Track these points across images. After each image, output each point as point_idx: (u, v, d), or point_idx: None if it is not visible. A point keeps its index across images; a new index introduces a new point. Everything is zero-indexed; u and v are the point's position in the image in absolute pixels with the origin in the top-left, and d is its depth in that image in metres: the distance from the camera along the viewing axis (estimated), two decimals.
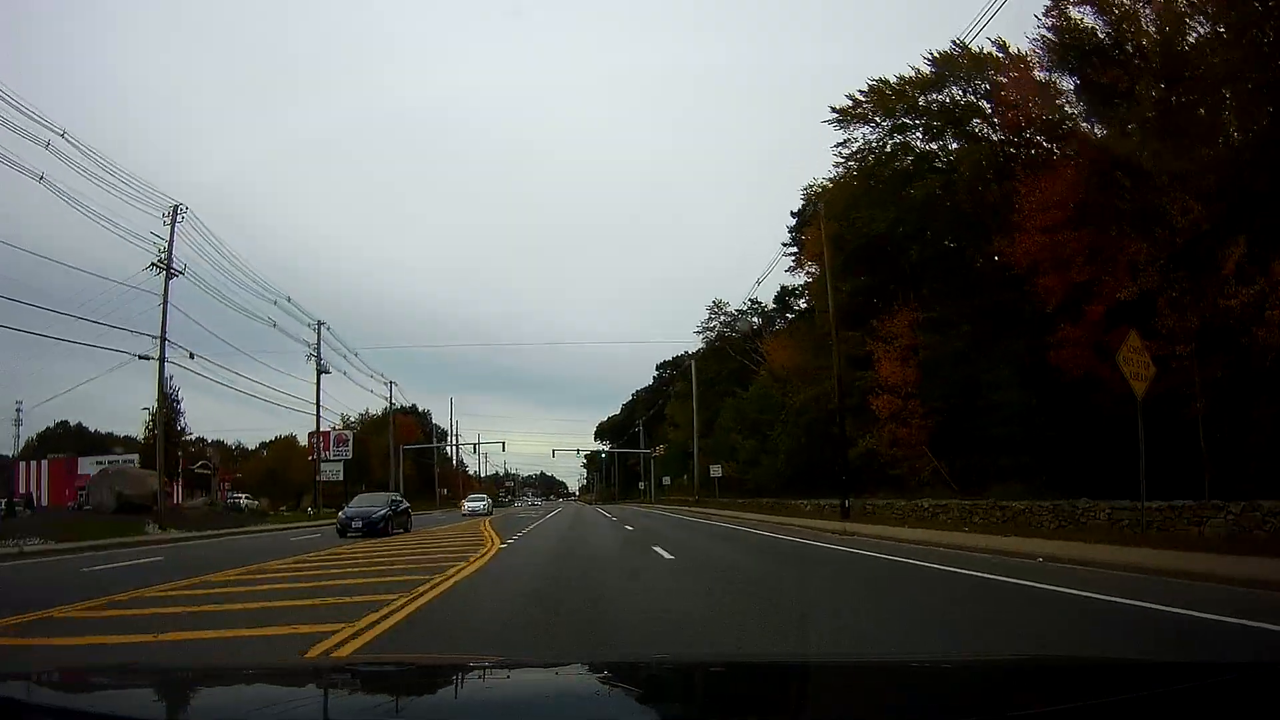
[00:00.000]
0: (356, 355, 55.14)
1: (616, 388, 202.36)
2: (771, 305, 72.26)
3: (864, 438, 35.58)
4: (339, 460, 55.80)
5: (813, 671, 2.75)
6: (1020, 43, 29.94)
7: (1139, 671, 2.61)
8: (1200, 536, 15.39)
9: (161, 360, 31.62)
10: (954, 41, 32.31)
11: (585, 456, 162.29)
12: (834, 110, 37.23)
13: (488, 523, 32.10)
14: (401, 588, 10.71)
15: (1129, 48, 26.31)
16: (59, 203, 37.98)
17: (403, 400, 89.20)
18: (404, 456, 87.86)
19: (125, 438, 59.39)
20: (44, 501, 56.21)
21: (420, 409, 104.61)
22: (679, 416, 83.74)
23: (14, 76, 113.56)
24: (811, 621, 7.93)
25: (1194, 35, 24.39)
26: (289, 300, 44.12)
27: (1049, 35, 28.03)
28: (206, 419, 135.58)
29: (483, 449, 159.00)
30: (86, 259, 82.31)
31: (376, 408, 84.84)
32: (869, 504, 27.81)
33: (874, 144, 36.64)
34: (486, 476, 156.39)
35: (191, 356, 33.18)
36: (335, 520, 28.51)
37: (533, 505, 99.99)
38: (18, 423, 62.42)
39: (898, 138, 37.14)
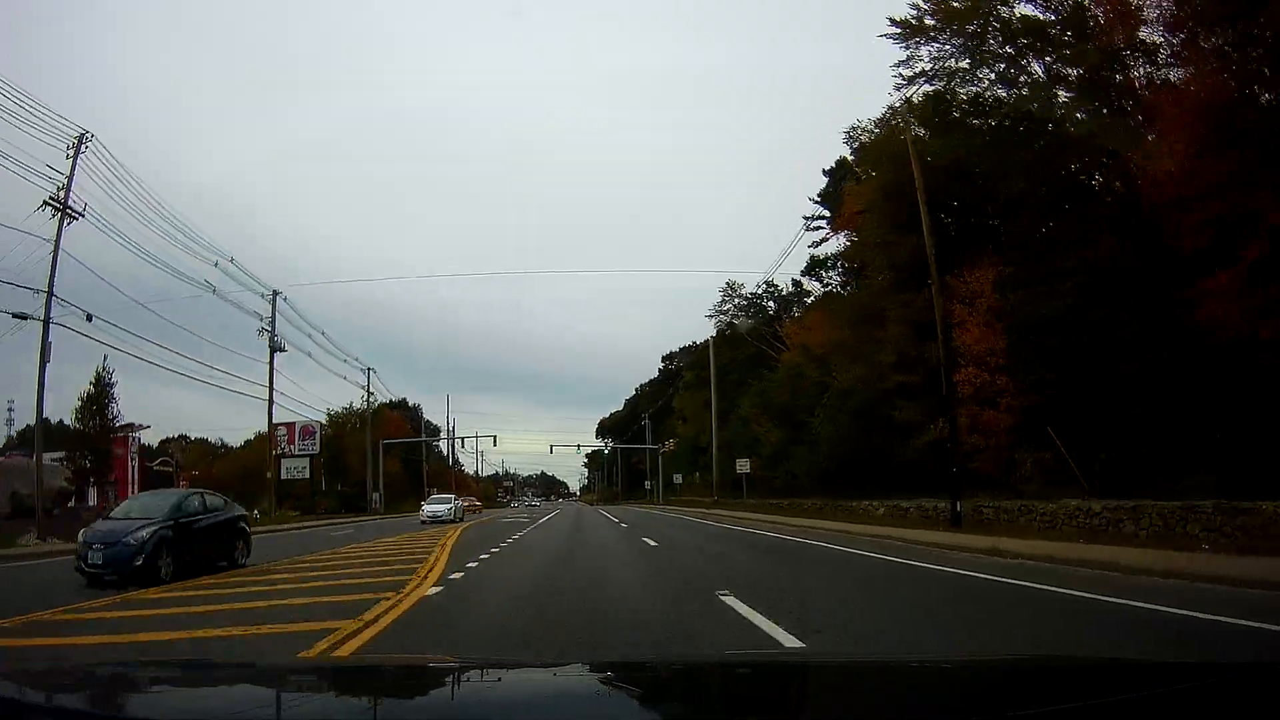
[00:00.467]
0: (324, 334, 48.12)
1: (617, 387, 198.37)
2: (789, 288, 66.22)
3: (931, 425, 28.64)
4: (305, 456, 48.73)
5: (813, 671, 2.78)
6: None
7: (1139, 671, 2.58)
8: None
9: (46, 323, 24.60)
10: None
11: (586, 456, 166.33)
12: (893, 23, 30.22)
13: (455, 535, 22.52)
14: None
15: None
16: None
17: (385, 392, 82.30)
18: (391, 454, 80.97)
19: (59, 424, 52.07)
20: None
21: (411, 403, 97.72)
22: (688, 409, 76.60)
23: (14, 75, 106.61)
24: None
25: None
26: (232, 262, 37.01)
27: None
28: (184, 413, 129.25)
29: (480, 447, 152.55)
30: None
31: (361, 402, 78.29)
32: (979, 507, 20.69)
33: (947, 60, 29.55)
34: (485, 477, 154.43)
35: (89, 319, 26.17)
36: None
37: (530, 506, 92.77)
38: None
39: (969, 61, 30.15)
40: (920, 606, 9.29)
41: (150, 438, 67.13)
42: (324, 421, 59.05)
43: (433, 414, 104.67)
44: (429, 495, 47.31)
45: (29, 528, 25.88)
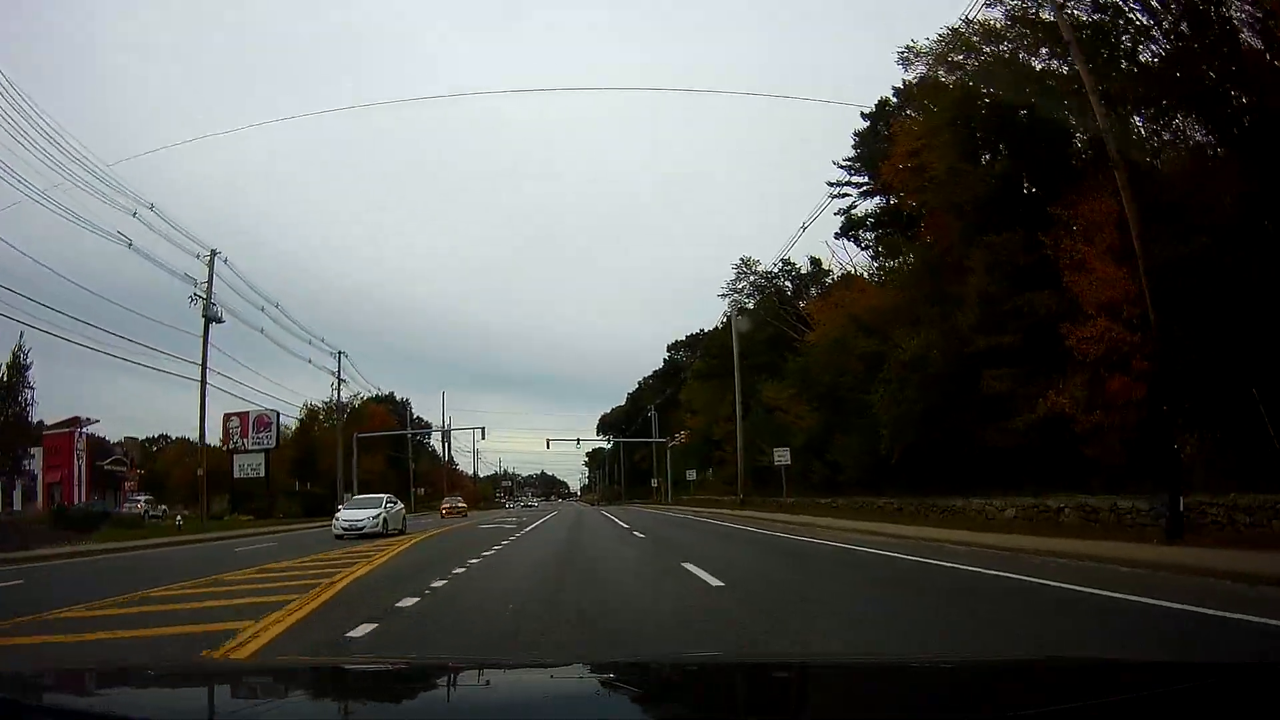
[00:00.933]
0: (278, 307, 41.39)
1: (618, 387, 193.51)
2: (807, 267, 59.78)
3: (1040, 397, 22.24)
4: (259, 450, 41.96)
5: (812, 671, 2.75)
6: None
7: (1140, 671, 2.58)
8: None
9: None
10: None
11: (587, 455, 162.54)
12: None
13: (380, 560, 15.10)
14: None
15: None
16: None
17: (361, 381, 75.55)
18: (375, 451, 74.41)
19: None
20: None
21: (399, 397, 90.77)
22: (698, 400, 69.90)
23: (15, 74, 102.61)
24: None
25: None
26: (152, 209, 30.41)
27: None
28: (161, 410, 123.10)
29: (477, 446, 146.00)
30: None
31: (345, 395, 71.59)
32: (1200, 505, 13.94)
33: None
34: (484, 477, 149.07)
35: None
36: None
37: (526, 507, 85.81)
38: None
39: None
40: None
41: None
42: (298, 415, 52.38)
43: (429, 413, 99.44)
44: (345, 499, 36.24)
45: None
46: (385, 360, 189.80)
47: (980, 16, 24.53)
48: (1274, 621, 6.82)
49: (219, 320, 35.25)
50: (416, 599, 9.33)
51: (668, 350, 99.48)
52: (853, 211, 44.24)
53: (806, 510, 29.44)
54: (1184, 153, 22.81)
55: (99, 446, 61.35)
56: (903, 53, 31.74)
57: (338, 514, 26.81)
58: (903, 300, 30.25)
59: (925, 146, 29.62)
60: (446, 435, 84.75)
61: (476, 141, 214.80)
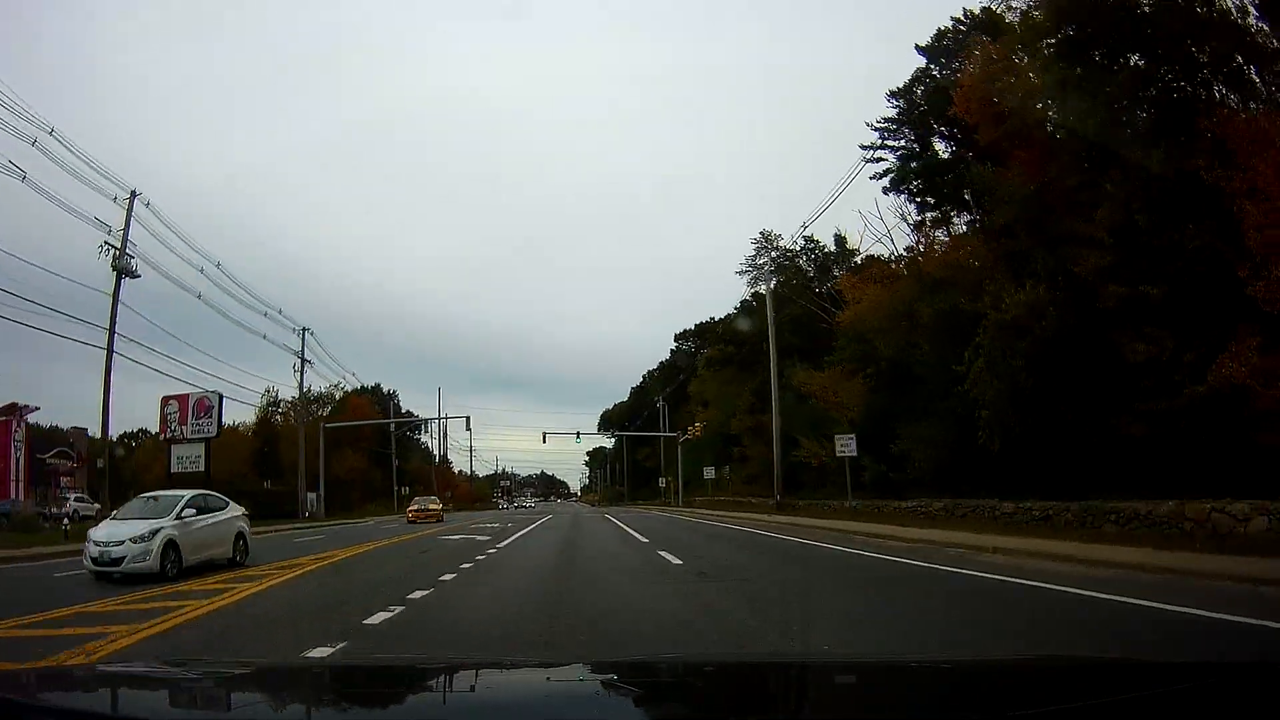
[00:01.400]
0: (219, 266, 35.07)
1: (619, 387, 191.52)
2: (830, 246, 53.65)
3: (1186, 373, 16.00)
4: (198, 439, 35.65)
5: (812, 671, 2.75)
6: None
7: (1139, 671, 2.52)
8: None
9: None
10: None
11: (587, 454, 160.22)
12: None
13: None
14: None
15: None
16: None
17: (330, 367, 69.23)
18: (356, 447, 68.19)
19: None
20: None
21: (386, 390, 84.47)
22: (710, 392, 63.52)
23: (16, 74, 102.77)
24: None
25: None
26: (52, 134, 24.28)
27: None
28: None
29: (474, 443, 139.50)
30: None
31: (329, 386, 65.16)
32: None
33: None
34: (483, 477, 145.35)
35: None
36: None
37: (521, 508, 79.04)
38: None
39: None
40: None
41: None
42: (263, 403, 45.99)
43: (427, 412, 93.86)
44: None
45: None
46: (385, 360, 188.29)
47: None
48: None
49: (133, 274, 28.91)
50: None
51: (675, 340, 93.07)
52: (883, 183, 38.08)
53: (882, 518, 22.61)
54: None
55: (49, 438, 55.02)
56: None
57: (91, 534, 14.05)
58: (989, 252, 23.95)
59: (1007, 70, 23.36)
60: (426, 425, 78.01)
61: (477, 142, 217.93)
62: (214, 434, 35.50)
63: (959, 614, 7.96)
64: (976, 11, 30.33)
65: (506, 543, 18.48)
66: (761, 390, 47.81)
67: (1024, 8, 24.34)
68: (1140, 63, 20.22)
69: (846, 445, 25.38)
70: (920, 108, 39.48)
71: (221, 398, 35.94)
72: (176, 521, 13.67)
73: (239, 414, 70.37)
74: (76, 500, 39.91)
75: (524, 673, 2.73)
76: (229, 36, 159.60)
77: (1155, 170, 17.99)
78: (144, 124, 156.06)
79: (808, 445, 33.71)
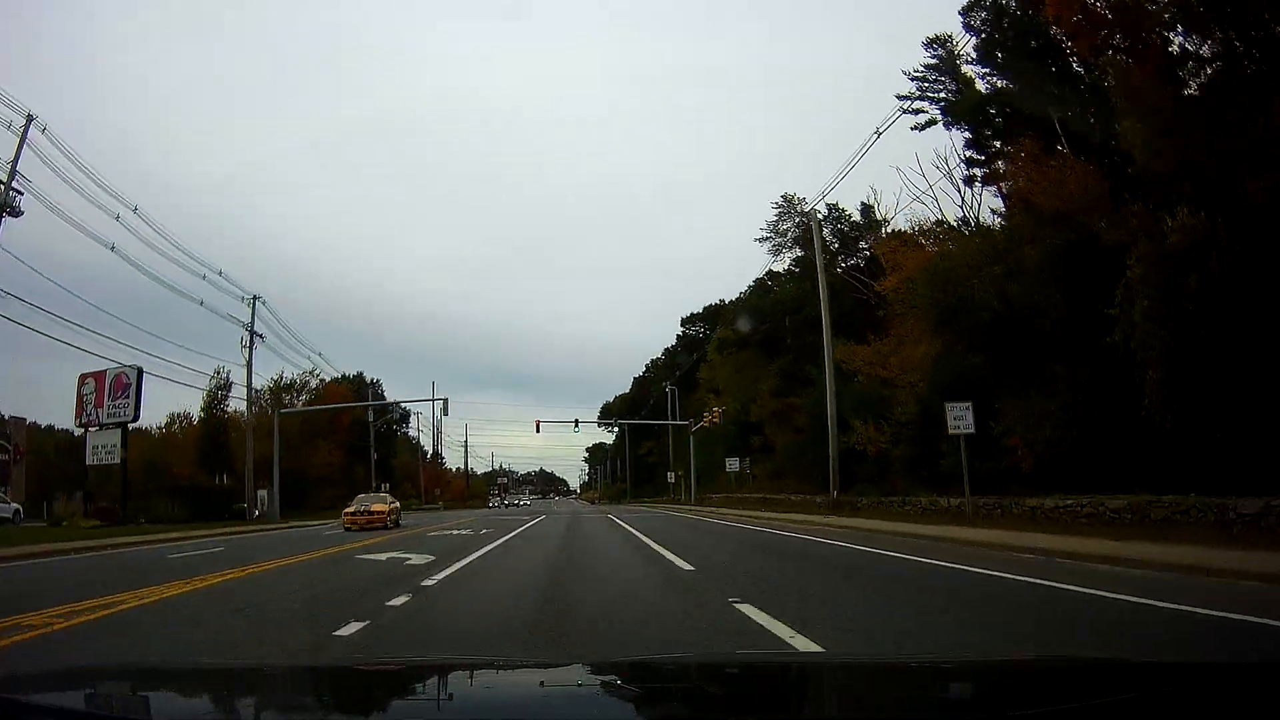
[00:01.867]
0: (136, 211, 28.70)
1: (619, 386, 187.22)
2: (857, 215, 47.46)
3: None
4: (115, 424, 29.16)
5: (813, 671, 2.76)
6: None
7: (1139, 671, 2.48)
8: None
9: None
10: None
11: (587, 450, 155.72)
12: None
13: None
14: None
15: None
16: None
17: (285, 342, 62.68)
18: (330, 439, 61.80)
19: None
20: None
21: (370, 378, 77.83)
22: (722, 378, 57.16)
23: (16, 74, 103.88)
24: None
25: None
26: None
27: None
28: None
29: (474, 441, 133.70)
30: None
31: (304, 374, 58.69)
32: None
33: None
34: (480, 475, 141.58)
35: None
36: None
37: (511, 506, 72.06)
38: None
39: None
40: None
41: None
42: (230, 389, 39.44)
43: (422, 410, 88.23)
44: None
45: None
46: (384, 360, 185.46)
47: None
48: None
49: (15, 212, 22.56)
50: None
51: (681, 325, 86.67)
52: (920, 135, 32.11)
53: (1026, 524, 15.79)
54: None
55: None
56: None
57: None
58: (1113, 179, 17.57)
59: None
60: (406, 415, 71.62)
61: (477, 142, 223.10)
62: (131, 417, 29.04)
63: None
64: None
65: (456, 568, 11.77)
66: (790, 370, 41.44)
67: None
68: None
69: (961, 418, 18.02)
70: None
71: (141, 372, 29.44)
72: None
73: (191, 400, 64.11)
74: None
75: (524, 673, 2.74)
76: (229, 36, 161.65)
77: None
78: (144, 124, 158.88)
79: (861, 430, 27.33)
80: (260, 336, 36.82)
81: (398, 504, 30.59)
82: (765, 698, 2.23)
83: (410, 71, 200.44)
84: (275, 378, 49.94)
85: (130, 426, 30.76)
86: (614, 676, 2.50)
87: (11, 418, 47.40)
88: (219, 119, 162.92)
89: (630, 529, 21.30)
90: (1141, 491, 15.05)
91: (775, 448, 40.54)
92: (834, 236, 50.32)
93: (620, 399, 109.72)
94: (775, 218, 49.45)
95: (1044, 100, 26.00)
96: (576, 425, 57.29)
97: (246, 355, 36.35)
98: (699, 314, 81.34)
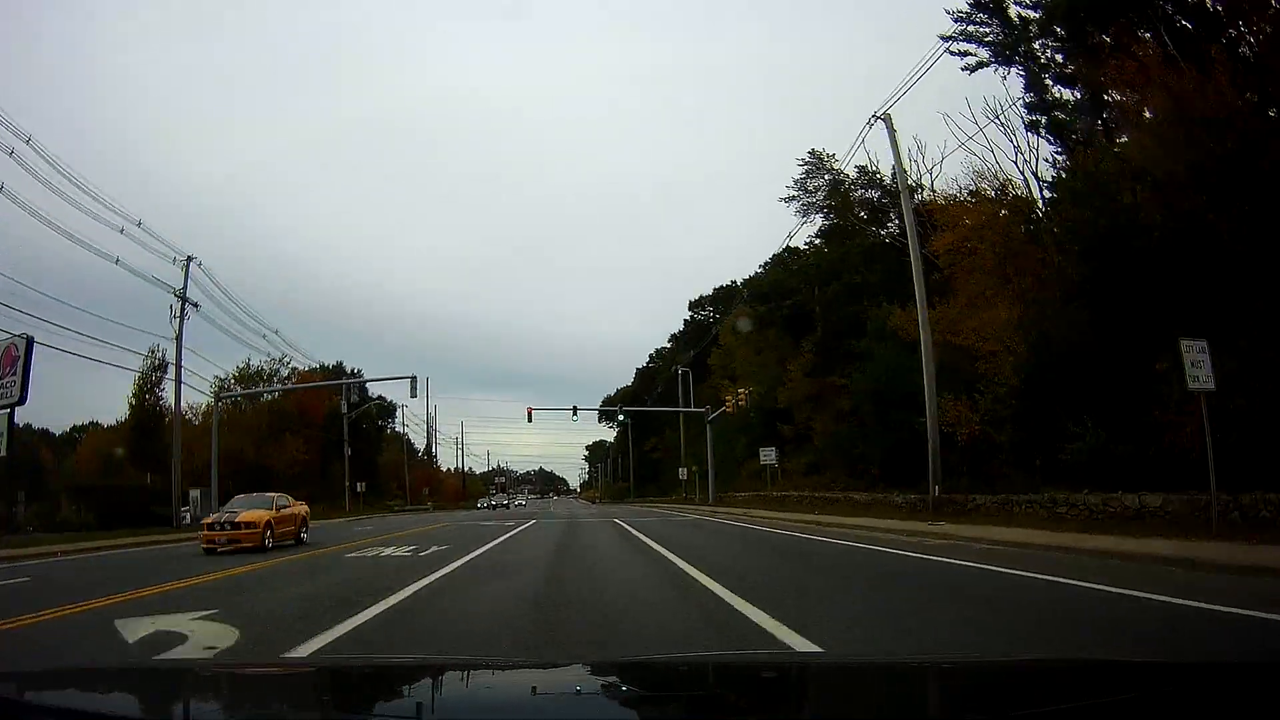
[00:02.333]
0: (30, 143, 22.43)
1: (619, 384, 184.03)
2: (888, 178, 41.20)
3: None
4: (3, 406, 22.74)
5: (813, 672, 2.72)
6: None
7: (1139, 671, 2.44)
8: None
9: None
10: None
11: (587, 448, 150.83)
12: None
13: None
14: None
15: None
16: None
17: (233, 315, 56.18)
18: (299, 431, 55.56)
19: None
20: None
21: (350, 369, 71.26)
22: (740, 362, 50.68)
23: (19, 75, 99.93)
24: None
25: None
26: None
27: None
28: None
29: (472, 441, 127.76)
30: None
31: (273, 362, 52.33)
32: None
33: None
34: (478, 474, 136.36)
35: None
36: None
37: (496, 508, 64.71)
38: None
39: None
40: None
41: None
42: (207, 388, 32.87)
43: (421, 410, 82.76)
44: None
45: None
46: (383, 359, 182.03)
47: None
48: None
49: None
50: None
51: (690, 309, 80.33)
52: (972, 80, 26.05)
53: None
54: None
55: None
56: None
57: None
58: None
59: None
60: (385, 403, 65.38)
61: (477, 142, 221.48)
62: (17, 399, 22.66)
63: None
64: None
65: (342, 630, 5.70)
66: (829, 345, 34.93)
67: None
68: None
69: (1199, 366, 10.91)
70: None
71: (31, 343, 23.03)
72: None
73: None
74: None
75: (524, 673, 2.68)
76: (229, 36, 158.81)
77: None
78: (143, 123, 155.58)
79: (951, 408, 21.01)
80: (194, 305, 30.42)
81: (303, 508, 21.08)
82: (765, 698, 2.18)
83: (410, 71, 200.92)
84: (241, 365, 43.74)
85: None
86: (613, 676, 2.49)
87: None
88: (219, 119, 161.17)
89: (658, 547, 14.78)
90: None
91: (811, 436, 34.17)
92: (860, 206, 43.99)
93: (622, 392, 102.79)
94: (802, 175, 43.04)
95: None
96: (575, 412, 50.59)
97: (176, 327, 29.91)
98: (708, 297, 75.12)
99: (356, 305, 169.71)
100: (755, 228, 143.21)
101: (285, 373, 60.36)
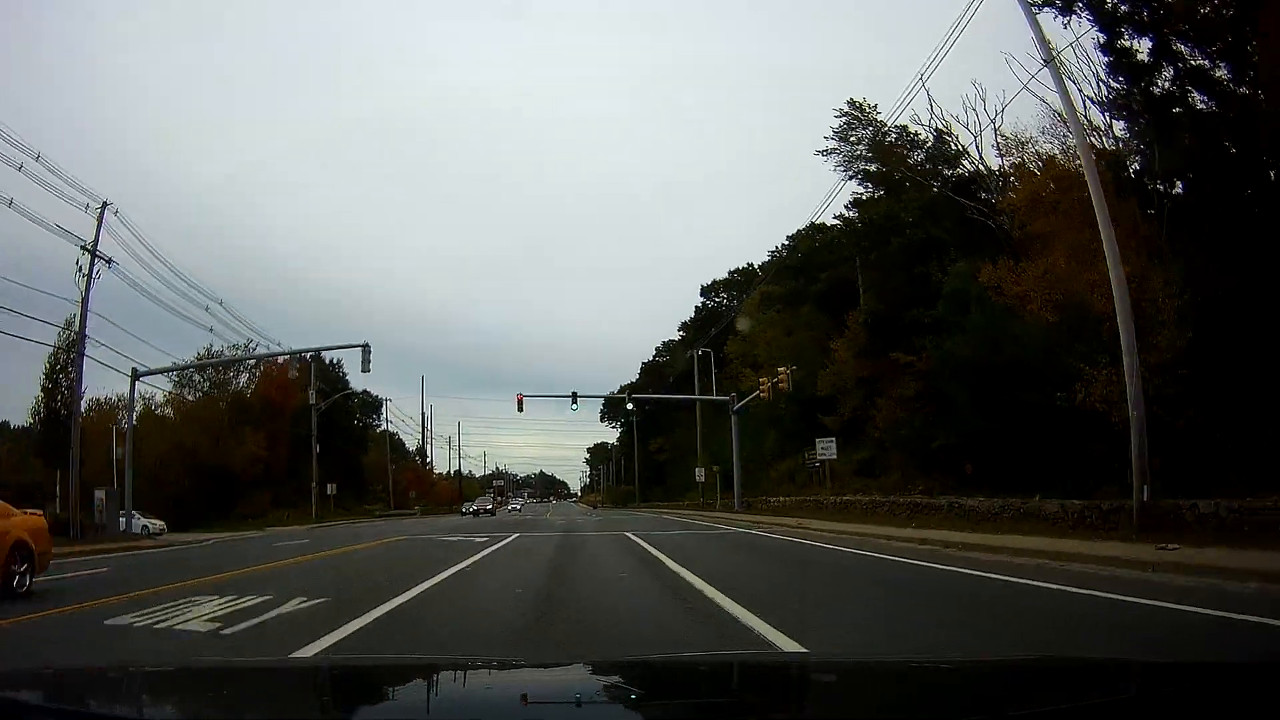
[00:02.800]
0: None
1: (621, 383, 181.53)
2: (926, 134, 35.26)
3: None
4: None
5: (812, 671, 2.70)
6: None
7: (1139, 671, 2.42)
8: None
9: None
10: None
11: (588, 450, 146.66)
12: None
13: None
14: None
15: None
16: None
17: (163, 279, 50.02)
18: (263, 425, 49.77)
19: None
20: None
21: (329, 359, 64.46)
22: (763, 345, 44.57)
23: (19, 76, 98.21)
24: None
25: None
26: None
27: None
28: None
29: (465, 441, 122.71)
30: None
31: (231, 347, 46.28)
32: None
33: None
34: (478, 477, 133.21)
35: None
36: None
37: (479, 514, 58.11)
38: None
39: None
40: None
41: None
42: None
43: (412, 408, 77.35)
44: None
45: None
46: (382, 359, 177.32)
47: None
48: None
49: None
50: None
51: (702, 295, 74.36)
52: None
53: None
54: None
55: None
56: None
57: None
58: None
59: None
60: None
61: (477, 142, 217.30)
62: None
63: None
64: None
65: None
66: (886, 316, 28.64)
67: None
68: None
69: None
70: None
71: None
72: None
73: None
74: None
75: (524, 673, 2.66)
76: (229, 36, 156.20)
77: None
78: (143, 123, 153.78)
79: (1104, 382, 14.94)
80: (107, 261, 24.36)
81: (31, 522, 11.07)
82: (765, 698, 2.17)
83: (410, 71, 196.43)
84: (202, 350, 38.06)
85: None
86: (613, 676, 2.47)
87: None
88: (219, 119, 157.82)
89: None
90: None
91: (864, 428, 28.08)
92: (914, 150, 37.87)
93: (626, 389, 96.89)
94: (841, 125, 36.96)
95: None
96: (574, 400, 44.71)
97: (83, 288, 23.85)
98: (722, 280, 69.09)
99: (356, 304, 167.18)
100: (755, 227, 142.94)
101: (252, 363, 54.63)
